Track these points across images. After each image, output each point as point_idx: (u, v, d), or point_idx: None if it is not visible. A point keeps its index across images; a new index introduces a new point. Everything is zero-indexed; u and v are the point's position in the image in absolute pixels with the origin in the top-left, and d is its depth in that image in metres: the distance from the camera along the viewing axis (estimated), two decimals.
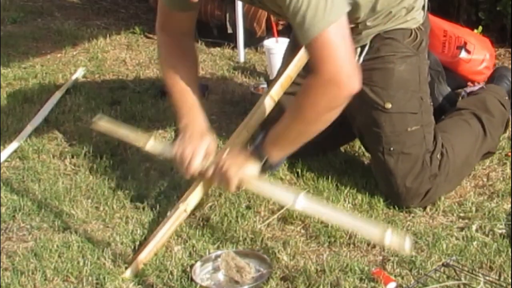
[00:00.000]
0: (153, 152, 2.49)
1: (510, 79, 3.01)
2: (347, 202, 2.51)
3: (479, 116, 2.65)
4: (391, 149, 2.46)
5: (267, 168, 2.23)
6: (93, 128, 2.59)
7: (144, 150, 2.47)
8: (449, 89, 3.03)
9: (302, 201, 2.11)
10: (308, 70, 2.46)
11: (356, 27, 2.42)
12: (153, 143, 2.43)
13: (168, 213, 2.34)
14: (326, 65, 2.03)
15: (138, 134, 2.50)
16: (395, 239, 1.93)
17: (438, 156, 2.50)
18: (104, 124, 2.55)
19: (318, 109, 2.09)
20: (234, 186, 2.21)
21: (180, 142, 2.31)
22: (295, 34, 2.14)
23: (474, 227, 2.34)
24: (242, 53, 3.85)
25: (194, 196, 2.31)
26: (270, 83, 2.56)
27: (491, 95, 2.74)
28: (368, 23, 2.42)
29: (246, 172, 2.20)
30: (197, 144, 2.29)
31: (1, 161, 2.88)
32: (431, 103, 2.54)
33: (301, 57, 2.43)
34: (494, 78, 3.04)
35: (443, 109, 2.98)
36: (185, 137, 2.31)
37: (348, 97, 2.08)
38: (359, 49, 2.45)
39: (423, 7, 2.50)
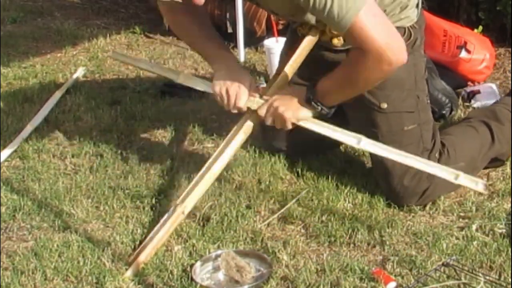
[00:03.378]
0: (188, 84, 2.53)
1: None
2: (347, 202, 2.51)
3: (488, 123, 2.64)
4: None
5: (323, 114, 2.32)
6: (112, 57, 2.64)
7: (177, 82, 2.52)
8: (443, 83, 3.04)
9: (365, 143, 2.25)
10: (305, 72, 2.47)
11: None
12: (185, 77, 2.51)
13: (166, 215, 2.33)
14: (370, 47, 2.11)
15: (165, 68, 2.56)
16: (467, 181, 2.13)
17: (437, 155, 2.50)
18: (122, 56, 2.61)
19: (370, 80, 2.23)
20: (290, 125, 2.31)
21: (221, 79, 2.37)
22: (331, 28, 2.24)
23: (474, 227, 2.34)
24: (242, 52, 3.85)
25: (192, 198, 2.31)
26: (267, 84, 2.57)
27: (503, 106, 2.74)
28: None
29: (301, 114, 2.30)
30: (240, 80, 2.36)
31: (1, 161, 2.88)
32: (428, 101, 2.54)
33: (296, 58, 2.43)
34: None
35: (439, 103, 2.98)
36: (225, 74, 2.37)
37: (397, 68, 2.18)
38: None
39: (417, 5, 2.50)
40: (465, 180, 2.15)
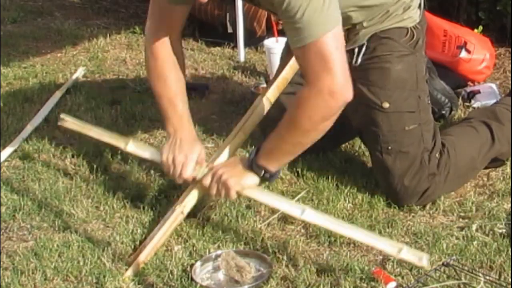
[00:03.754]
0: (135, 154, 2.51)
1: None
2: (347, 202, 2.51)
3: (489, 123, 2.64)
4: (389, 148, 2.46)
5: (265, 179, 2.27)
6: (61, 126, 2.57)
7: (124, 151, 2.49)
8: (442, 83, 3.03)
9: (309, 213, 2.17)
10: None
11: (353, 28, 2.42)
12: (134, 145, 2.46)
13: (166, 215, 2.33)
14: (319, 75, 2.07)
15: (114, 135, 2.52)
16: (410, 255, 2.03)
17: (437, 155, 2.51)
18: (73, 122, 2.55)
19: (313, 120, 2.13)
20: (235, 195, 2.25)
21: (170, 148, 2.35)
22: (288, 40, 2.16)
23: (474, 227, 2.34)
24: (242, 52, 3.85)
25: (191, 198, 2.31)
26: (267, 84, 2.56)
27: (503, 107, 2.74)
28: (365, 24, 2.43)
29: (246, 182, 2.24)
30: (188, 151, 2.34)
31: (1, 161, 2.88)
32: (429, 101, 2.55)
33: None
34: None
35: (439, 102, 2.98)
36: (175, 144, 2.35)
37: (342, 106, 2.12)
38: (356, 49, 2.45)
39: (420, 5, 2.51)
40: (408, 254, 2.04)
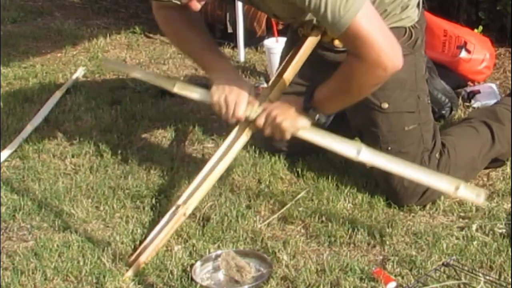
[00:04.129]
0: (183, 95, 2.48)
1: None
2: (347, 202, 2.51)
3: (489, 123, 2.64)
4: (389, 148, 2.46)
5: (319, 123, 2.29)
6: (105, 66, 2.55)
7: (172, 92, 2.47)
8: (443, 83, 3.03)
9: (365, 153, 2.18)
10: (307, 72, 2.47)
11: None
12: (181, 86, 2.43)
13: (167, 215, 2.33)
14: (365, 52, 2.09)
15: (160, 76, 2.47)
16: (468, 192, 2.05)
17: (437, 155, 2.50)
18: (116, 63, 2.51)
19: (366, 87, 2.20)
20: (289, 135, 2.28)
21: (219, 88, 2.34)
22: (327, 30, 2.21)
23: (474, 227, 2.34)
24: (242, 52, 3.85)
25: (194, 200, 2.31)
26: (267, 85, 2.56)
27: (503, 107, 2.74)
28: None
29: (299, 124, 2.26)
30: (239, 90, 2.32)
31: (1, 161, 2.88)
32: (429, 101, 2.54)
33: (298, 60, 2.43)
34: None
35: (439, 102, 2.98)
36: (223, 84, 2.34)
37: (393, 73, 2.14)
38: None
39: (418, 4, 2.50)
40: (465, 191, 2.06)
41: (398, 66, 2.13)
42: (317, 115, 2.27)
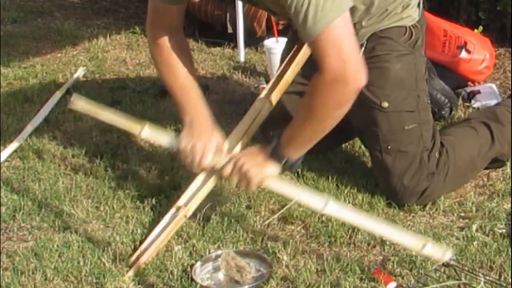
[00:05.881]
0: (150, 140, 2.46)
1: None
2: (347, 202, 2.51)
3: (488, 124, 2.64)
4: (389, 147, 2.46)
5: (286, 167, 2.24)
6: (72, 108, 2.46)
7: (138, 137, 2.43)
8: (442, 83, 3.03)
9: (332, 206, 2.14)
10: (308, 71, 2.47)
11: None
12: (150, 131, 2.36)
13: (167, 216, 2.33)
14: (331, 62, 2.04)
15: (128, 119, 2.40)
16: (434, 250, 2.02)
17: (436, 154, 2.51)
18: (84, 105, 2.41)
19: (328, 107, 2.11)
20: (256, 186, 2.22)
21: (188, 135, 2.31)
22: (298, 33, 2.15)
23: (474, 227, 2.34)
24: (242, 53, 3.85)
25: (195, 202, 2.31)
26: (268, 86, 2.56)
27: (504, 108, 2.74)
28: (364, 23, 2.43)
29: (267, 172, 2.21)
30: (207, 138, 2.29)
31: (1, 161, 2.88)
32: (429, 101, 2.55)
33: (299, 61, 2.43)
34: None
35: (439, 103, 2.98)
36: (193, 132, 2.31)
37: (356, 91, 2.09)
38: None
39: (419, 4, 2.51)
40: (432, 249, 2.03)
41: (361, 81, 2.08)
42: (284, 159, 2.21)
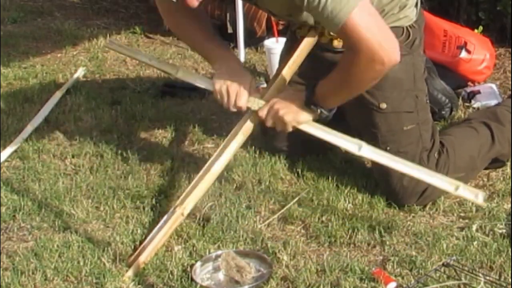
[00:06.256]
0: (186, 80, 2.51)
1: None
2: (347, 202, 2.51)
3: (488, 124, 2.64)
4: (388, 148, 2.46)
5: (321, 117, 2.32)
6: (108, 47, 2.59)
7: (175, 77, 2.49)
8: (442, 83, 3.04)
9: (366, 149, 2.24)
10: (306, 70, 2.48)
11: None
12: (184, 73, 2.46)
13: (166, 216, 2.33)
14: (363, 47, 2.11)
15: (164, 61, 2.51)
16: (467, 192, 2.11)
17: (436, 154, 2.51)
18: (120, 46, 2.57)
19: (364, 80, 2.22)
20: (291, 128, 2.31)
21: (221, 77, 2.37)
22: (324, 26, 2.24)
23: (474, 227, 2.34)
24: (242, 53, 3.85)
25: (192, 200, 2.31)
26: (267, 85, 2.57)
27: (504, 108, 2.74)
28: None
29: (302, 118, 2.30)
30: (241, 79, 2.36)
31: (1, 161, 2.88)
32: (428, 101, 2.55)
33: (295, 60, 2.44)
34: None
35: (439, 103, 2.98)
36: (225, 74, 2.37)
37: (392, 67, 2.17)
38: None
39: (416, 4, 2.51)
40: (464, 191, 2.14)
41: (395, 60, 2.15)
42: (319, 109, 2.29)
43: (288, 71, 2.46)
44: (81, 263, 2.24)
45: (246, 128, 2.37)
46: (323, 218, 2.42)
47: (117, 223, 2.46)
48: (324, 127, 2.31)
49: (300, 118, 2.30)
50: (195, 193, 2.32)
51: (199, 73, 3.72)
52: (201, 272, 2.21)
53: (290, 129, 2.32)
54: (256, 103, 2.35)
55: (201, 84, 2.47)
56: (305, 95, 2.31)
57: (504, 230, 2.32)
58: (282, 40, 3.29)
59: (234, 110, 2.37)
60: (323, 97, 2.29)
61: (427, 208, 2.47)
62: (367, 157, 2.31)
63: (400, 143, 2.47)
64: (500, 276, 2.12)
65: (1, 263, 2.28)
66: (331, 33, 2.40)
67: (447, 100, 3.02)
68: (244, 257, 2.23)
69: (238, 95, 2.34)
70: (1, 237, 2.43)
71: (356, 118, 2.53)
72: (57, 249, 2.32)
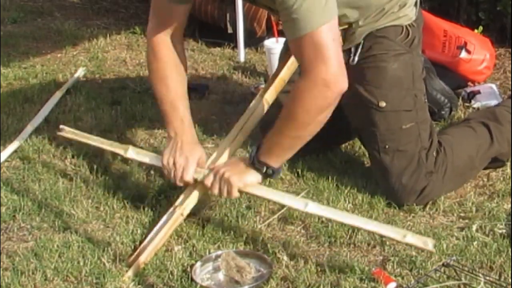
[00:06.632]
0: (135, 160, 2.57)
1: None
2: (347, 202, 2.51)
3: (487, 124, 2.64)
4: (387, 146, 2.47)
5: (268, 175, 2.28)
6: (60, 136, 2.66)
7: (124, 158, 2.55)
8: (442, 83, 3.04)
9: (312, 206, 2.21)
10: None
11: (349, 27, 2.43)
12: (134, 152, 2.50)
13: (165, 216, 2.33)
14: (314, 65, 2.09)
15: (113, 142, 2.58)
16: (415, 240, 2.06)
17: (434, 153, 2.51)
18: (72, 132, 2.63)
19: (309, 111, 2.15)
20: (237, 193, 2.27)
21: (171, 151, 2.38)
22: (284, 31, 2.18)
23: (474, 227, 2.34)
24: (242, 53, 3.85)
25: (191, 200, 2.32)
26: (265, 86, 2.57)
27: (503, 108, 2.75)
28: (360, 22, 2.43)
29: (248, 179, 2.26)
30: (189, 153, 2.36)
31: (1, 161, 2.88)
32: (426, 100, 2.55)
33: (294, 60, 2.44)
34: None
35: (438, 103, 2.98)
36: (176, 147, 2.38)
37: (338, 96, 2.14)
38: (353, 48, 2.46)
39: (416, 3, 2.51)
40: (412, 239, 2.08)
41: (342, 87, 2.13)
42: (265, 168, 2.26)
43: (287, 72, 2.46)
44: (81, 263, 2.24)
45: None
46: (323, 218, 2.41)
47: (117, 223, 2.46)
48: (269, 188, 2.33)
49: (246, 179, 2.25)
50: (195, 193, 2.33)
51: (199, 73, 3.72)
52: (201, 272, 2.21)
53: (236, 194, 2.27)
54: (202, 174, 2.33)
55: (149, 161, 2.49)
56: (250, 155, 2.28)
57: (504, 230, 2.32)
58: (282, 40, 3.29)
59: (181, 184, 2.36)
60: (268, 153, 2.24)
61: (427, 208, 2.47)
62: (314, 213, 2.25)
63: (399, 142, 2.47)
64: (500, 276, 2.12)
65: (1, 263, 2.28)
66: None
67: (446, 100, 3.02)
68: (244, 257, 2.23)
69: (184, 169, 2.33)
70: (1, 237, 2.43)
71: (355, 117, 2.53)
72: (57, 249, 2.32)
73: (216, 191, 2.28)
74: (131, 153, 2.50)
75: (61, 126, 2.66)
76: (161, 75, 2.44)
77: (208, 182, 2.29)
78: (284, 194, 2.31)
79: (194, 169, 2.35)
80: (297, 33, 2.09)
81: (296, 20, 2.07)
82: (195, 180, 2.35)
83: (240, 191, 2.28)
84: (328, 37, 2.08)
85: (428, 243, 2.06)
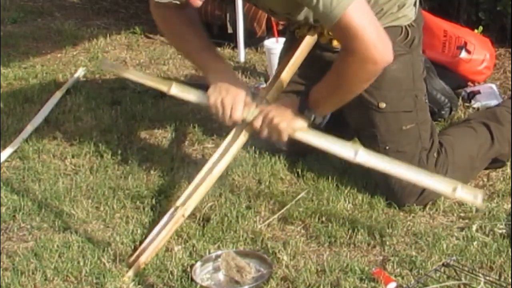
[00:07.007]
0: (179, 97, 2.47)
1: None
2: (347, 202, 2.51)
3: (488, 124, 2.64)
4: (387, 147, 2.47)
5: (316, 123, 2.32)
6: (101, 67, 2.60)
7: (168, 95, 2.46)
8: (442, 83, 3.04)
9: (362, 155, 2.20)
10: (306, 71, 2.48)
11: None
12: (178, 88, 2.43)
13: (166, 216, 2.33)
14: (356, 45, 2.11)
15: (156, 77, 2.48)
16: (465, 193, 2.06)
17: (435, 154, 2.51)
18: (112, 65, 2.54)
19: (357, 82, 2.22)
20: (286, 137, 2.29)
21: (216, 90, 2.36)
22: (319, 21, 2.23)
23: (474, 227, 2.34)
24: (242, 53, 3.85)
25: (193, 201, 2.31)
26: (266, 87, 2.57)
27: (504, 109, 2.74)
28: None
29: (296, 125, 2.28)
30: (236, 92, 2.34)
31: (1, 161, 2.88)
32: (427, 101, 2.55)
33: (295, 60, 2.44)
34: None
35: (439, 102, 2.98)
36: (220, 87, 2.35)
37: (384, 66, 2.17)
38: None
39: (415, 3, 2.51)
40: (463, 192, 2.08)
41: (388, 60, 2.15)
42: (313, 116, 2.29)
43: (288, 72, 2.46)
44: (81, 263, 2.24)
45: (241, 140, 2.35)
46: (323, 218, 2.42)
47: (117, 223, 2.46)
48: (319, 133, 2.29)
49: (295, 125, 2.28)
50: (197, 194, 2.32)
51: (199, 73, 3.72)
52: (201, 272, 2.22)
53: (286, 138, 2.29)
54: (251, 114, 2.33)
55: (196, 99, 2.43)
56: (298, 101, 2.30)
57: (504, 230, 2.32)
58: (282, 40, 3.29)
59: (230, 123, 2.36)
60: (316, 103, 2.28)
61: (427, 208, 2.47)
62: (364, 162, 2.22)
63: (399, 143, 2.47)
64: (500, 276, 2.12)
65: (1, 263, 2.28)
66: (330, 33, 2.40)
67: (446, 100, 3.02)
68: (244, 257, 2.23)
69: (233, 107, 2.32)
70: (1, 237, 2.43)
71: (355, 118, 2.53)
72: (57, 249, 2.32)
73: (265, 134, 2.31)
74: (175, 90, 2.41)
75: (102, 58, 2.59)
76: (180, 35, 2.44)
77: (257, 125, 2.31)
78: (334, 139, 2.27)
79: (242, 107, 2.33)
80: (329, 23, 2.12)
81: (324, 11, 2.09)
82: (244, 120, 2.33)
83: (290, 136, 2.30)
84: (357, 15, 2.09)
85: (478, 196, 2.06)
